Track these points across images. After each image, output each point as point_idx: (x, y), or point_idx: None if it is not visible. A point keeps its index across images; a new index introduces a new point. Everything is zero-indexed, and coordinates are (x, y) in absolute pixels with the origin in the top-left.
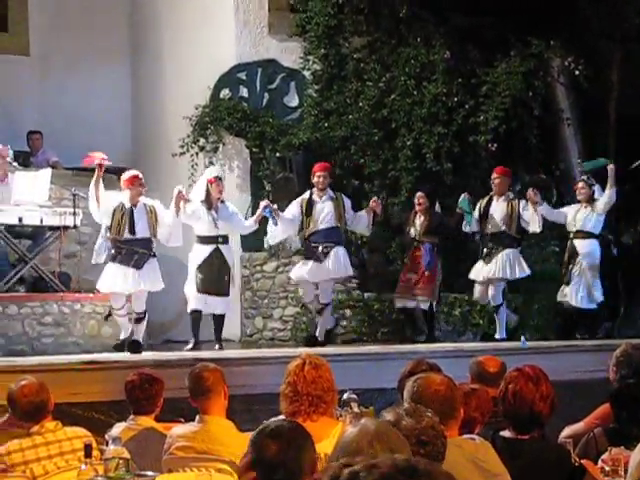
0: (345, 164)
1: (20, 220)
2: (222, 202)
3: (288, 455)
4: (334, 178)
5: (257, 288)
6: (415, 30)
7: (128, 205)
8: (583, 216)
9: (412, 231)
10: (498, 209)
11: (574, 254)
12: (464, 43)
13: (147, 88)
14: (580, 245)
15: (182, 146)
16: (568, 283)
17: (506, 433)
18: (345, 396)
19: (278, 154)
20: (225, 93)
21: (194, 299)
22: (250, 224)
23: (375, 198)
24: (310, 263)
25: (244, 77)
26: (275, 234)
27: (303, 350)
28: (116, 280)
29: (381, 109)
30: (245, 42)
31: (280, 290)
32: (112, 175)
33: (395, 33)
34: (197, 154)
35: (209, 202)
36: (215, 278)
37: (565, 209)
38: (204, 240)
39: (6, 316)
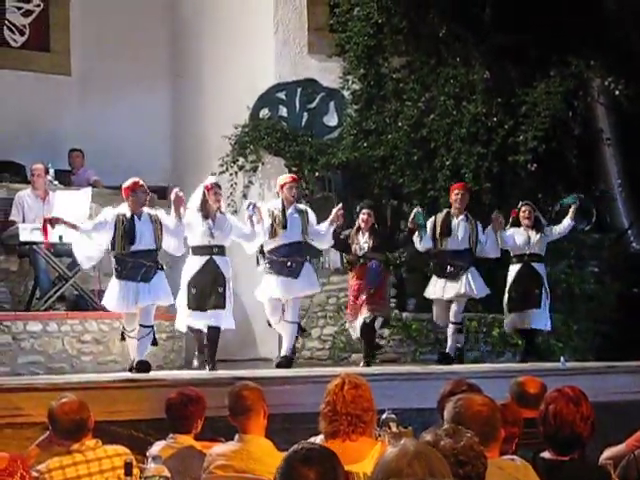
0: (384, 184)
1: (60, 238)
2: (221, 213)
3: (327, 479)
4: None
5: None
6: (454, 50)
7: (130, 215)
8: (536, 240)
9: (357, 249)
10: (461, 226)
11: (537, 277)
12: (503, 63)
13: (187, 108)
14: (539, 269)
15: (222, 165)
16: (539, 307)
17: (546, 454)
18: (384, 416)
19: (317, 173)
20: (264, 113)
21: (188, 317)
22: (248, 230)
23: (339, 206)
24: (279, 279)
25: (283, 97)
26: (255, 241)
27: (341, 370)
28: (123, 299)
29: (420, 129)
30: (284, 62)
31: (318, 309)
32: (153, 194)
33: (434, 53)
34: (236, 173)
35: (205, 210)
36: (208, 291)
37: (510, 233)
38: (197, 251)
39: (46, 334)
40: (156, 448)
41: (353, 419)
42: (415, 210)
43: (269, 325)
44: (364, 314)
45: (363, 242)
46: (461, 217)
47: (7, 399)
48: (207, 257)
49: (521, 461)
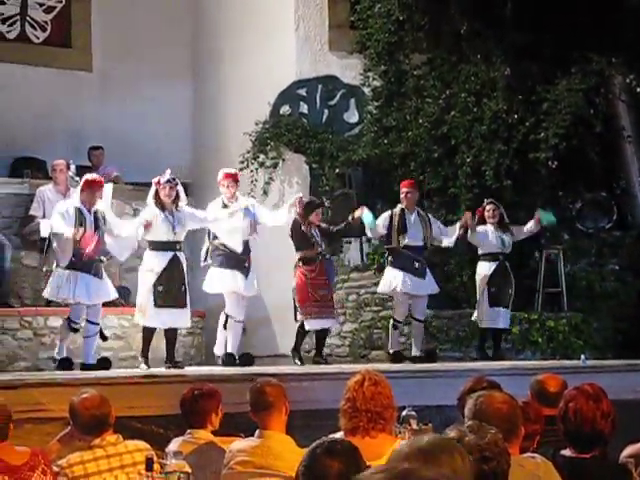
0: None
1: None
2: (177, 210)
3: (351, 471)
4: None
5: None
6: (475, 47)
7: (85, 209)
8: (507, 241)
9: (317, 245)
10: (415, 223)
11: (510, 278)
12: (525, 60)
13: (208, 104)
14: (510, 269)
15: (242, 162)
16: (509, 307)
17: (567, 452)
18: (404, 413)
19: (337, 170)
20: (285, 109)
21: (153, 314)
22: (203, 215)
23: (299, 195)
24: (237, 274)
25: (304, 93)
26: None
27: (361, 367)
28: (76, 289)
29: (441, 126)
30: (305, 58)
31: (338, 306)
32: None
33: (455, 50)
34: (257, 170)
35: (161, 204)
36: (175, 289)
37: (482, 231)
38: (159, 246)
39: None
40: (175, 444)
41: (373, 416)
42: (364, 212)
43: (225, 323)
44: (330, 320)
45: (318, 237)
46: (415, 213)
47: (28, 394)
48: (171, 254)
49: (541, 459)
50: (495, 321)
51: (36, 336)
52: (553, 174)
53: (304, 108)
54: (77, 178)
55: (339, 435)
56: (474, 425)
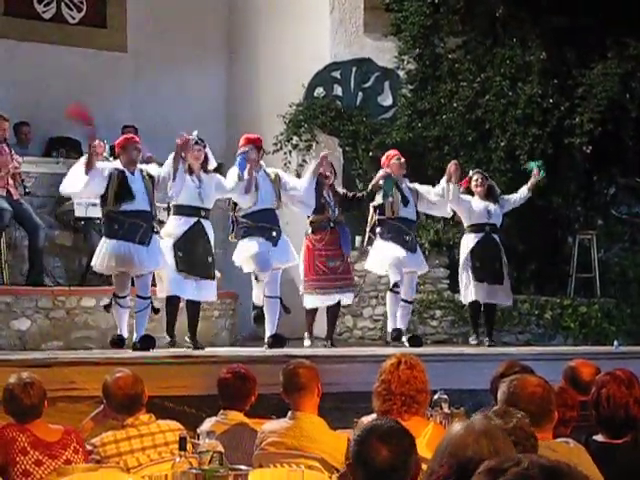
0: (438, 164)
1: None
2: (206, 172)
3: (399, 459)
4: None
5: None
6: (511, 30)
7: (124, 171)
8: (494, 210)
9: (330, 211)
10: (409, 194)
11: (498, 249)
12: (561, 44)
13: (241, 86)
14: (498, 240)
15: (275, 144)
16: (502, 283)
17: (599, 437)
18: (436, 396)
19: (371, 153)
20: (319, 91)
21: (174, 282)
22: (232, 185)
23: (325, 151)
24: (262, 241)
25: (338, 76)
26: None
27: (393, 350)
28: (119, 258)
29: (475, 110)
30: (340, 41)
31: (371, 289)
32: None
33: (490, 33)
34: (290, 152)
35: (188, 166)
36: (199, 258)
37: (466, 199)
38: (183, 211)
39: (100, 309)
40: (207, 425)
41: (407, 399)
42: (384, 177)
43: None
44: (341, 293)
45: (333, 203)
46: (405, 184)
47: (62, 372)
48: (194, 219)
49: (575, 444)
50: (481, 295)
51: (69, 315)
52: (588, 159)
53: (338, 90)
54: (110, 158)
55: (371, 418)
56: (500, 409)
